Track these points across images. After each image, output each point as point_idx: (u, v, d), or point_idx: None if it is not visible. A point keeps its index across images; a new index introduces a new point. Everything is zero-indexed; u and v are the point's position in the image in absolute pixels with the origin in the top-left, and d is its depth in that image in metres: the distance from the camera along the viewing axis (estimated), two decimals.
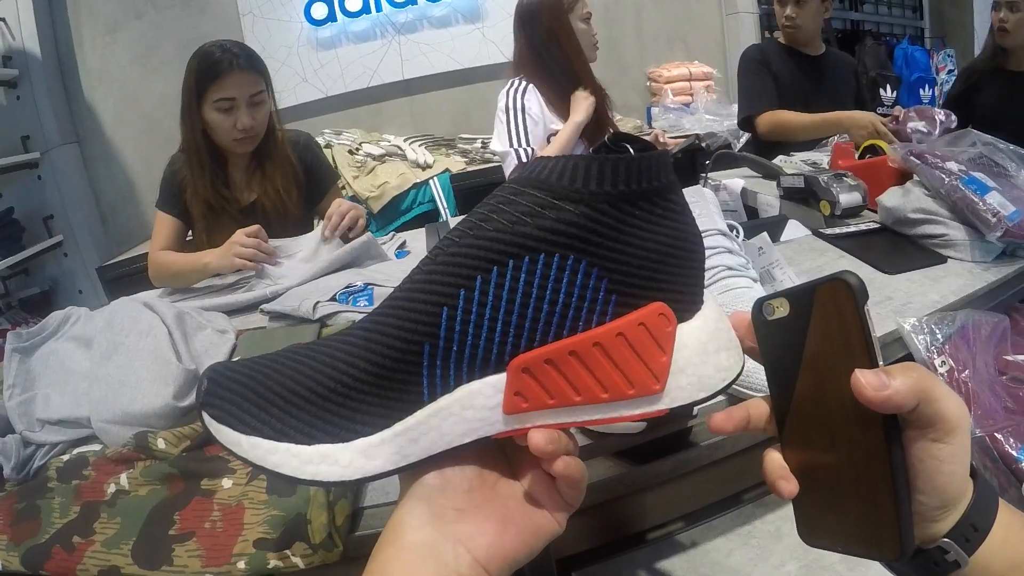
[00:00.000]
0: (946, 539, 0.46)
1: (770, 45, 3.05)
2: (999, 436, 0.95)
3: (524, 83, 2.29)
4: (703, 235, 1.02)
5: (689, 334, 0.49)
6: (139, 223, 4.00)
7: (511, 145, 2.26)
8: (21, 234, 3.62)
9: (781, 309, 0.50)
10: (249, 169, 2.07)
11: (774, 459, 0.52)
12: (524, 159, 2.23)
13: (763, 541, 1.07)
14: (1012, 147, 1.48)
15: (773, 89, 2.87)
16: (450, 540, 0.46)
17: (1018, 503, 0.91)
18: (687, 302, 0.50)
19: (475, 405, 0.47)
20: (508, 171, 2.35)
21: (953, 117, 2.18)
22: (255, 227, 1.75)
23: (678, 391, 0.49)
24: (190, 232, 2.09)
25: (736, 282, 1.00)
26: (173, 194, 2.02)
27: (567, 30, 2.26)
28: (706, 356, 0.50)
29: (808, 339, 0.48)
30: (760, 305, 0.52)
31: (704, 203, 1.11)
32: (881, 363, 0.44)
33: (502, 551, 0.47)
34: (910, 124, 2.21)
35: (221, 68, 1.86)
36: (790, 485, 0.50)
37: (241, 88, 1.89)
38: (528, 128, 2.25)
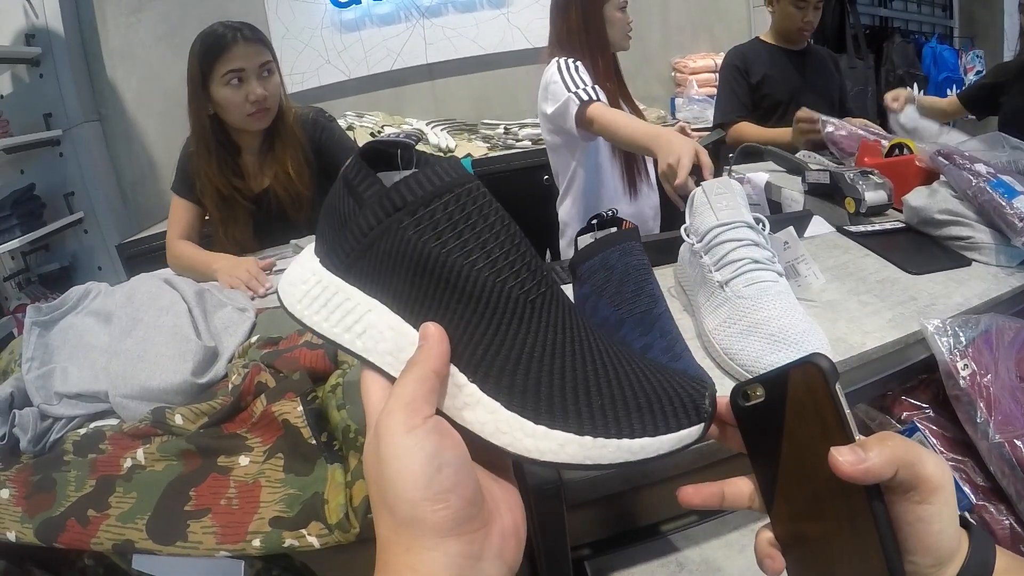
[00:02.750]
0: None
1: (754, 46, 3.09)
2: (1019, 443, 0.94)
3: (571, 59, 2.23)
4: (730, 227, 1.02)
5: None
6: (159, 201, 3.99)
7: (568, 89, 2.09)
8: (42, 210, 3.65)
9: (757, 394, 0.51)
10: (262, 152, 2.05)
11: (763, 537, 0.53)
12: (587, 98, 2.05)
13: None
14: None
15: (747, 98, 2.98)
16: (490, 555, 0.44)
17: None
18: None
19: None
20: (564, 119, 2.14)
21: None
22: (267, 262, 1.71)
23: None
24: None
25: (762, 275, 0.99)
26: (188, 179, 2.03)
27: (599, 20, 2.23)
28: None
29: (786, 421, 0.50)
30: (737, 392, 0.53)
31: (731, 195, 1.10)
32: (857, 437, 0.46)
33: (520, 543, 0.47)
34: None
35: (226, 41, 1.86)
36: (775, 564, 0.52)
37: (250, 59, 1.88)
38: (584, 77, 2.13)
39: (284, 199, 2.04)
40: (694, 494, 0.54)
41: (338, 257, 0.53)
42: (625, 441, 0.47)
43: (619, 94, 2.37)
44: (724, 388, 0.90)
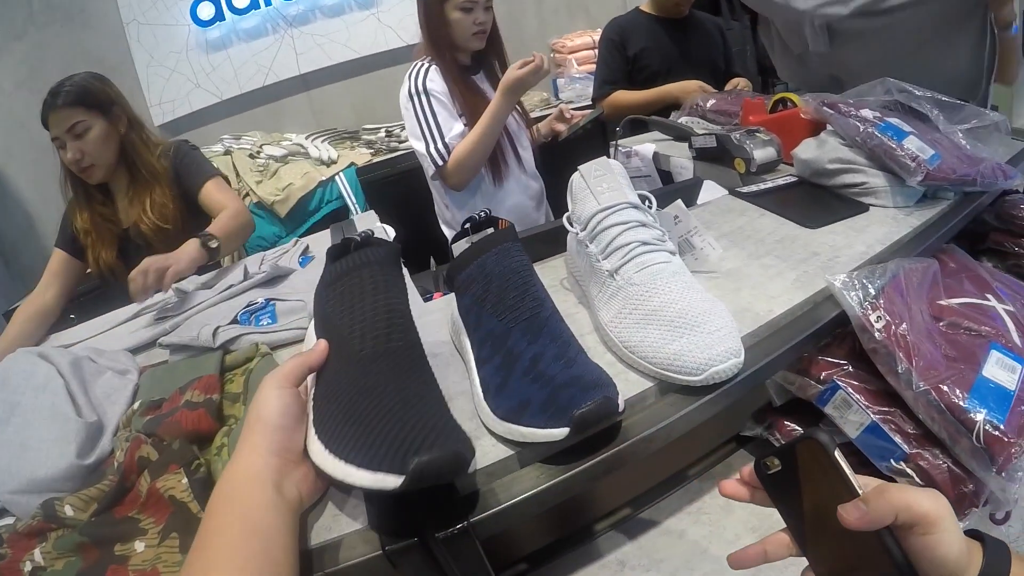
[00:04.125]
0: None
1: (633, 18, 3.09)
2: (944, 387, 0.93)
3: (427, 64, 2.24)
4: (613, 210, 0.97)
5: None
6: (42, 257, 3.71)
7: (426, 149, 2.21)
8: None
9: (775, 464, 0.65)
10: (129, 190, 2.15)
11: None
12: (440, 162, 2.19)
13: (715, 516, 1.05)
14: (927, 92, 1.49)
15: (621, 71, 3.02)
16: (291, 481, 0.71)
17: (970, 454, 0.90)
18: None
19: None
20: (428, 172, 2.32)
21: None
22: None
23: None
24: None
25: (653, 257, 0.95)
26: (65, 227, 2.15)
27: (439, 21, 2.23)
28: None
29: (801, 483, 0.63)
30: (759, 464, 0.67)
31: (611, 176, 1.05)
32: (860, 491, 0.59)
33: (317, 489, 0.76)
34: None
35: (46, 111, 2.00)
36: None
37: (58, 127, 2.01)
38: (437, 112, 2.19)
39: (148, 235, 2.13)
40: (741, 557, 0.68)
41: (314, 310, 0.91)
42: (341, 463, 0.68)
43: (490, 84, 2.39)
44: (627, 385, 0.87)
